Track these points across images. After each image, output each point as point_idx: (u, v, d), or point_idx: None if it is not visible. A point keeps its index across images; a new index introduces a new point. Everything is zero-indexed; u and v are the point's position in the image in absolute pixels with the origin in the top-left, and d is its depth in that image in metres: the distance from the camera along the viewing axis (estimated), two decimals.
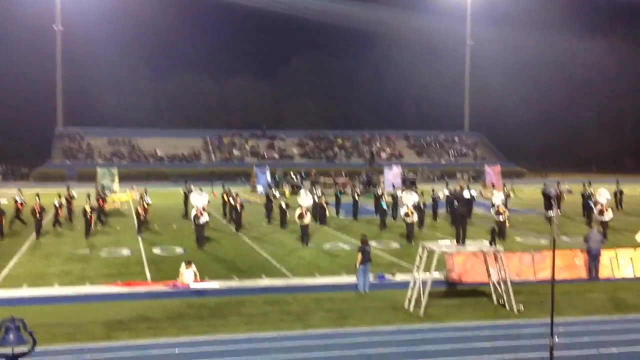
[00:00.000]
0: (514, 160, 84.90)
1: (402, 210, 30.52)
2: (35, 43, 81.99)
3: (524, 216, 38.21)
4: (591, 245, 21.66)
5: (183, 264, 20.76)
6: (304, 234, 28.35)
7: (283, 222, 33.28)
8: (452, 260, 20.77)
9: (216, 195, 39.82)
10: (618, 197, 41.34)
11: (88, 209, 30.54)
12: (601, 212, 30.58)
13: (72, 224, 33.73)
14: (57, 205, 32.57)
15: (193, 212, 28.15)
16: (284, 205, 33.68)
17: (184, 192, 37.82)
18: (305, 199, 30.51)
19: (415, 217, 29.40)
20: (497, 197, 31.50)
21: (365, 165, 63.62)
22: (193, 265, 20.65)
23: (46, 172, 68.93)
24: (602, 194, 32.05)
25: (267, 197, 36.91)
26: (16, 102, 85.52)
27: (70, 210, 34.73)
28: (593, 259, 21.68)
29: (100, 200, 34.94)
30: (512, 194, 39.78)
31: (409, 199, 30.20)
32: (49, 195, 35.94)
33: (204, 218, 27.36)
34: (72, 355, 13.78)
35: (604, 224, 29.83)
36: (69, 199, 35.00)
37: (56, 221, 32.50)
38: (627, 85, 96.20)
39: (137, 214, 33.00)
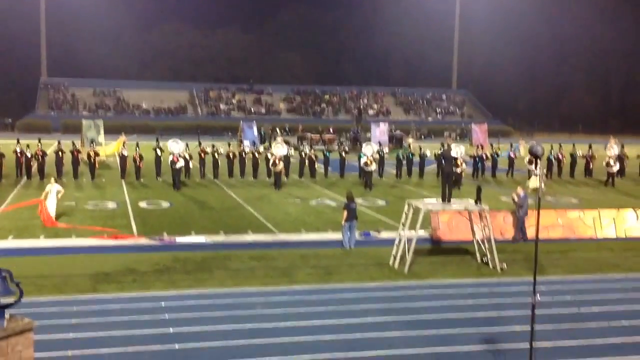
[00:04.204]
0: (501, 118, 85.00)
1: (362, 160, 33.19)
2: None
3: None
4: (525, 207, 21.12)
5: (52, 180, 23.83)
6: (277, 180, 31.51)
7: (270, 172, 34.59)
8: (437, 218, 20.93)
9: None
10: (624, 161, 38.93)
11: (92, 154, 33.66)
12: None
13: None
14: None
15: (170, 158, 30.45)
16: (269, 157, 35.00)
17: (155, 150, 34.68)
18: (279, 149, 33.34)
19: (374, 167, 32.76)
20: (457, 150, 32.59)
21: (353, 122, 63.39)
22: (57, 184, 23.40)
23: (30, 123, 68.26)
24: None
25: (252, 153, 36.96)
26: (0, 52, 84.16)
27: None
28: (523, 220, 21.19)
29: (76, 152, 34.50)
30: (499, 152, 39.92)
31: (368, 149, 34.07)
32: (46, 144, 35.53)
33: (180, 163, 29.90)
34: (59, 306, 13.84)
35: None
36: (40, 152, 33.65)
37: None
38: (615, 46, 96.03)
39: (133, 160, 33.59)
